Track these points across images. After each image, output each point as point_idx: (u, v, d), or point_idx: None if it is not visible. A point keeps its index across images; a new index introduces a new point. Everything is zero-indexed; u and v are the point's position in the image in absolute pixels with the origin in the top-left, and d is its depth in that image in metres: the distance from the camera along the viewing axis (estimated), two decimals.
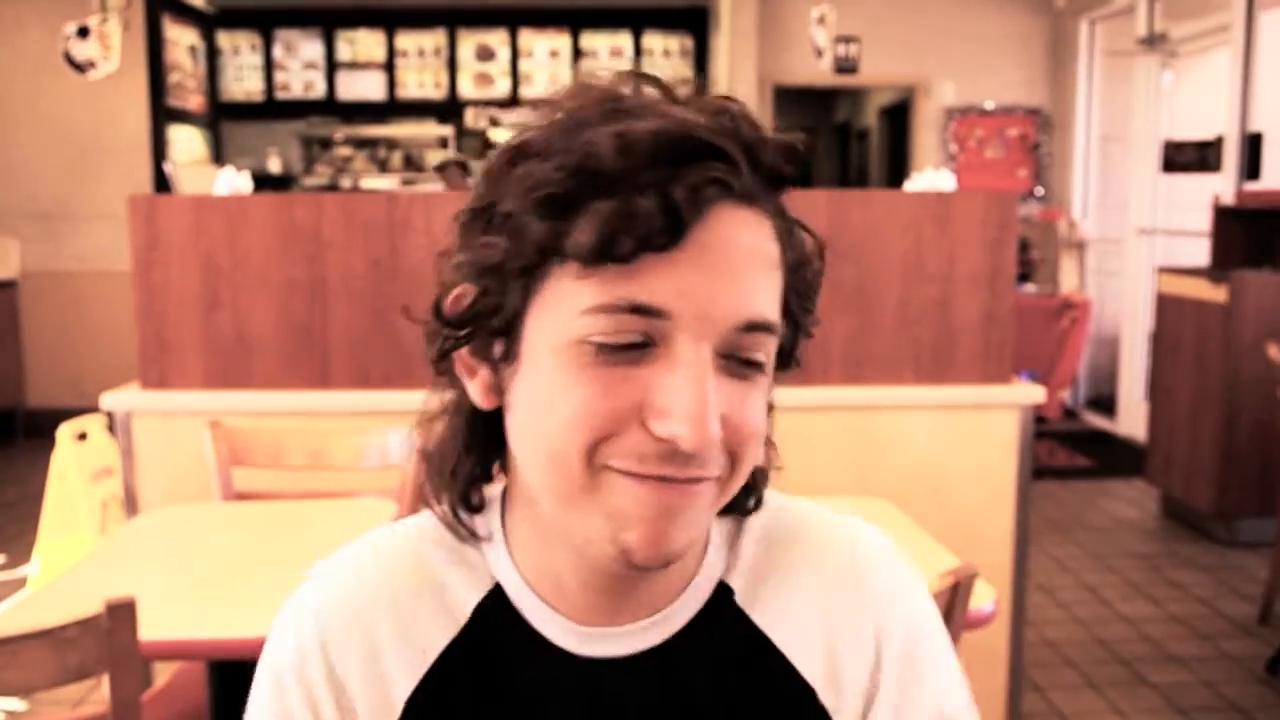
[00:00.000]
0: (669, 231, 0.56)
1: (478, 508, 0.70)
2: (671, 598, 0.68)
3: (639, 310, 0.56)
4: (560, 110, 0.60)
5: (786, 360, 0.67)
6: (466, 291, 0.62)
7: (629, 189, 0.56)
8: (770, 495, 0.74)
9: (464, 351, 0.64)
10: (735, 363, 0.59)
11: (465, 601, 0.68)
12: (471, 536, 0.69)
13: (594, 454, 0.58)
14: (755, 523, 0.72)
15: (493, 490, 0.71)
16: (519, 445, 0.63)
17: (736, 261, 0.58)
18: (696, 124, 0.58)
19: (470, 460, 0.68)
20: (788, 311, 0.64)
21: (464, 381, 0.65)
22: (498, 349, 0.62)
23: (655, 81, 0.61)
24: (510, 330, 0.61)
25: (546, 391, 0.59)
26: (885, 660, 0.70)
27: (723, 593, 0.70)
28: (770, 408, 0.71)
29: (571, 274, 0.57)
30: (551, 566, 0.66)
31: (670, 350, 0.57)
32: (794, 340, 0.66)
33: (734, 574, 0.70)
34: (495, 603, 0.68)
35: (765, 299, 0.60)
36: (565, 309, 0.58)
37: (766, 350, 0.61)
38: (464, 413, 0.67)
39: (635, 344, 0.57)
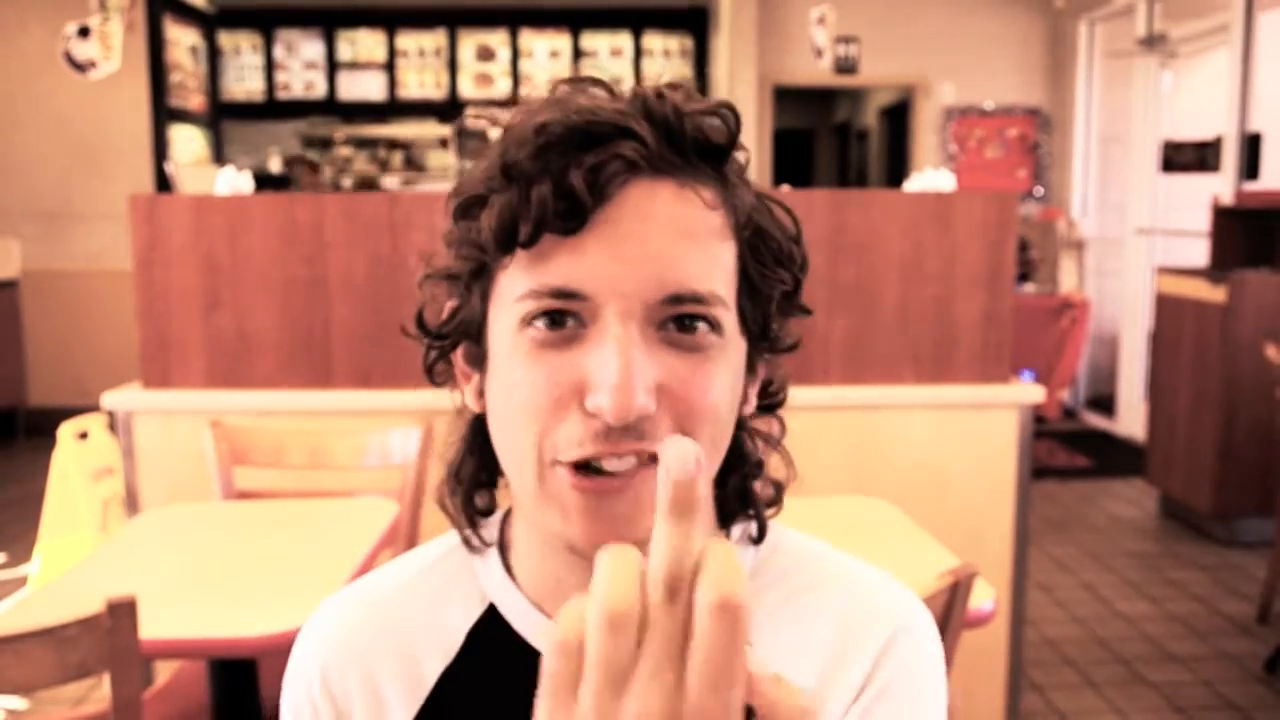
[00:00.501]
0: (569, 214, 0.58)
1: (486, 512, 0.71)
2: None
3: (560, 294, 0.58)
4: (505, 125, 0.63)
5: (768, 334, 0.66)
6: (451, 304, 0.66)
7: (530, 180, 0.58)
8: (807, 539, 0.73)
9: (459, 359, 0.67)
10: (677, 332, 0.59)
11: (459, 628, 0.70)
12: (480, 545, 0.70)
13: (543, 449, 0.59)
14: (778, 562, 0.71)
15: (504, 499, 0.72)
16: (495, 445, 0.65)
17: (652, 235, 0.59)
18: (602, 109, 0.59)
19: (473, 463, 0.69)
20: (748, 281, 0.63)
21: (461, 387, 0.68)
22: (478, 354, 0.65)
23: (598, 82, 0.63)
24: (480, 334, 0.64)
25: (503, 387, 0.62)
26: (865, 693, 0.66)
27: None
28: (780, 402, 0.72)
29: (507, 270, 0.61)
30: (550, 568, 0.67)
31: (599, 329, 0.58)
32: (764, 313, 0.65)
33: None
34: (489, 623, 0.69)
35: (696, 270, 0.59)
36: (506, 302, 0.61)
37: (714, 321, 0.60)
38: (468, 416, 0.69)
39: (565, 317, 0.59)
